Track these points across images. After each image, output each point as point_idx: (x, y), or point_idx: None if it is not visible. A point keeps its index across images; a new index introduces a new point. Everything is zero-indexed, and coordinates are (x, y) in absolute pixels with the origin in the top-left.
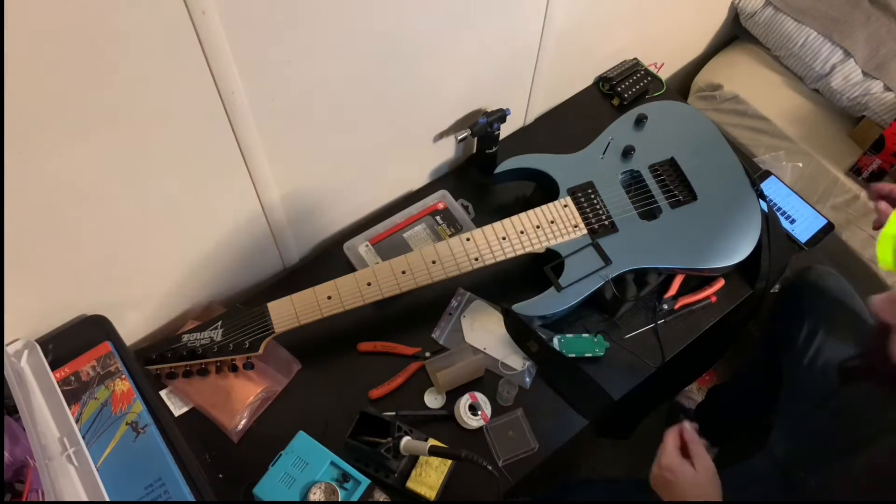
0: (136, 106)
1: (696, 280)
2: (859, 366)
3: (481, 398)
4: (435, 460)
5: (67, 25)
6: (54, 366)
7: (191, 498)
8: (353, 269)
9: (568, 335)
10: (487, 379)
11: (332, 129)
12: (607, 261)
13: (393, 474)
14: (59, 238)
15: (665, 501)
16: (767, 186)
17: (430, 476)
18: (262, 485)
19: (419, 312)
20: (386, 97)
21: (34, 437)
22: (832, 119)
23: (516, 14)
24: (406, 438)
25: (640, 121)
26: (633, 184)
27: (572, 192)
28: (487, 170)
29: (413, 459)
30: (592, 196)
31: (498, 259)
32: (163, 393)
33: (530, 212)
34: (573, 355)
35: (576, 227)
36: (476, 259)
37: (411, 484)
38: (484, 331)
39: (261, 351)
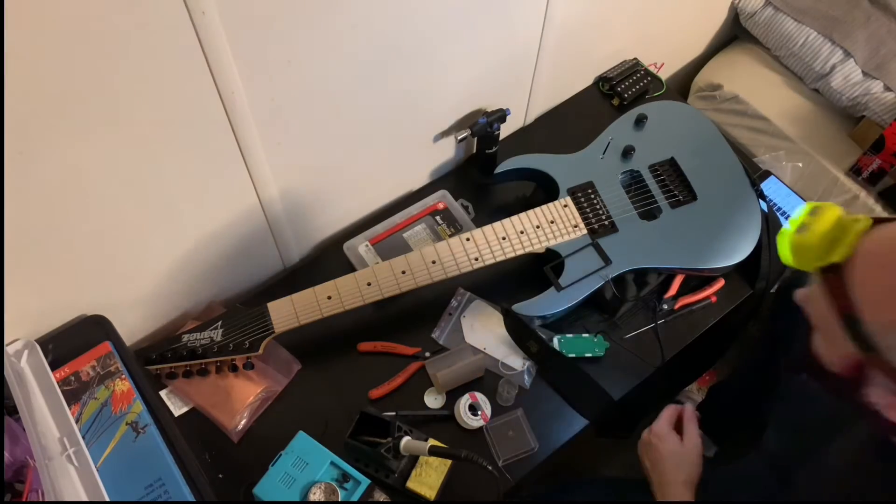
0: (135, 106)
1: (696, 280)
2: (799, 361)
3: (481, 398)
4: (435, 460)
5: (67, 25)
6: (54, 366)
7: (191, 498)
8: (353, 269)
9: (568, 335)
10: (487, 379)
11: (331, 129)
12: (607, 261)
13: (393, 474)
14: (59, 238)
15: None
16: (767, 186)
17: (430, 476)
18: (262, 485)
19: (419, 312)
20: (386, 97)
21: (34, 437)
22: (832, 119)
23: (516, 14)
24: (406, 438)
25: (640, 121)
26: (633, 184)
27: (572, 192)
28: (487, 170)
29: (413, 459)
30: (592, 196)
31: (498, 259)
32: (163, 393)
33: (530, 212)
34: (573, 355)
35: (576, 227)
36: (476, 259)
37: (411, 484)
38: (484, 331)
39: (261, 351)
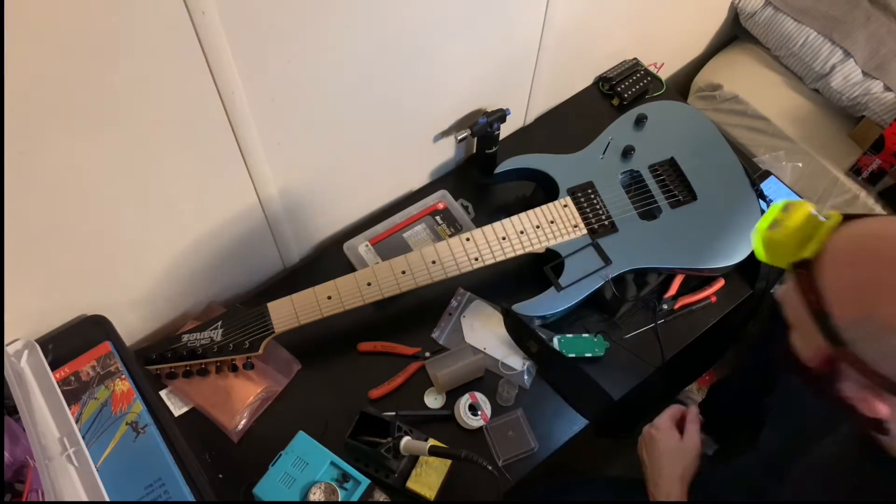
0: (135, 106)
1: (696, 280)
2: (782, 358)
3: (481, 398)
4: (435, 460)
5: (68, 25)
6: (54, 366)
7: (191, 498)
8: (353, 269)
9: (568, 335)
10: (487, 379)
11: (331, 129)
12: (607, 261)
13: (393, 474)
14: (60, 238)
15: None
16: (767, 186)
17: (430, 476)
18: (262, 485)
19: (419, 312)
20: (386, 97)
21: (34, 437)
22: (832, 119)
23: (516, 14)
24: (406, 438)
25: (639, 121)
26: (633, 184)
27: (572, 192)
28: (487, 170)
29: (413, 459)
30: (592, 196)
31: (498, 259)
32: (163, 393)
33: (530, 212)
34: (573, 355)
35: (576, 227)
36: (476, 259)
37: (411, 484)
38: (484, 331)
39: (261, 351)
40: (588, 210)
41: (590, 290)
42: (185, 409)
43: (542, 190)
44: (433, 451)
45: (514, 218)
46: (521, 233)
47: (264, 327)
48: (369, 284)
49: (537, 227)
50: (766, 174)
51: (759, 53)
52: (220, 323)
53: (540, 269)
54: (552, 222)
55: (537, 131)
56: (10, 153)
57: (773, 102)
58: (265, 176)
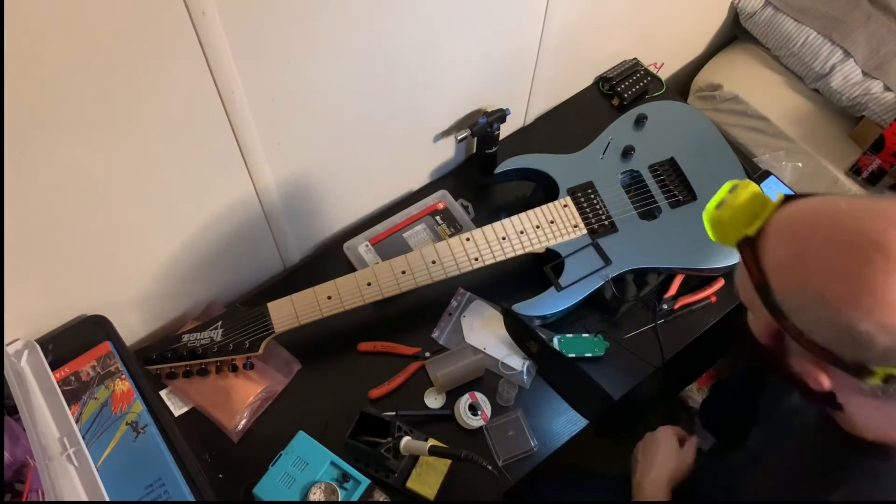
0: (136, 106)
1: (696, 280)
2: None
3: (481, 398)
4: (435, 460)
5: (68, 25)
6: (54, 366)
7: (191, 498)
8: (353, 269)
9: (568, 335)
10: (487, 379)
11: (331, 129)
12: (607, 261)
13: (393, 474)
14: (60, 238)
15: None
16: (767, 186)
17: (429, 476)
18: (262, 485)
19: (419, 312)
20: (386, 97)
21: (34, 437)
22: (832, 119)
23: (516, 14)
24: (406, 438)
25: (639, 121)
26: (633, 184)
27: (572, 192)
28: (487, 170)
29: (413, 459)
30: (592, 196)
31: (498, 259)
32: (163, 393)
33: (530, 212)
34: (573, 355)
35: (576, 227)
36: (476, 259)
37: (411, 484)
38: (484, 331)
39: (261, 351)
40: (588, 210)
41: (590, 290)
42: (185, 409)
43: (542, 190)
44: (433, 451)
45: (514, 218)
46: (521, 233)
47: (264, 327)
48: (369, 284)
49: (537, 227)
50: (766, 174)
51: (759, 53)
52: (220, 323)
53: (540, 269)
54: (552, 222)
55: (537, 131)
56: (11, 153)
57: (773, 102)
58: (265, 176)
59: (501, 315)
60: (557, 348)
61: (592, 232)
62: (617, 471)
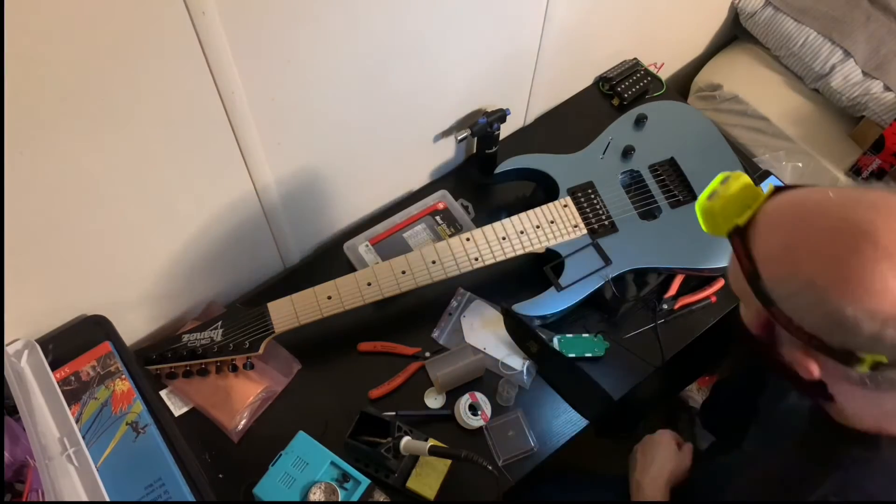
0: (136, 106)
1: (696, 280)
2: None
3: (481, 398)
4: (435, 460)
5: (68, 26)
6: (54, 366)
7: (191, 498)
8: (353, 269)
9: (568, 335)
10: (487, 379)
11: (331, 128)
12: (607, 261)
13: (393, 474)
14: (60, 238)
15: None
16: (767, 186)
17: (429, 476)
18: (262, 485)
19: (419, 312)
20: (386, 97)
21: (34, 437)
22: (832, 119)
23: (516, 14)
24: (406, 438)
25: (640, 121)
26: (633, 184)
27: (572, 192)
28: (487, 170)
29: (413, 459)
30: (592, 196)
31: (498, 259)
32: (163, 393)
33: (530, 212)
34: (573, 355)
35: (576, 227)
36: (476, 259)
37: (411, 484)
38: (484, 331)
39: (261, 351)
40: (588, 210)
41: (590, 290)
42: (185, 409)
43: (542, 190)
44: (433, 451)
45: (514, 218)
46: (521, 233)
47: (264, 327)
48: (369, 284)
49: (537, 227)
50: (766, 174)
51: (759, 53)
52: (220, 323)
53: (540, 269)
54: (552, 222)
55: (537, 131)
56: (11, 153)
57: (773, 102)
58: (265, 176)
59: (501, 315)
60: (557, 348)
61: (592, 232)
62: (617, 471)
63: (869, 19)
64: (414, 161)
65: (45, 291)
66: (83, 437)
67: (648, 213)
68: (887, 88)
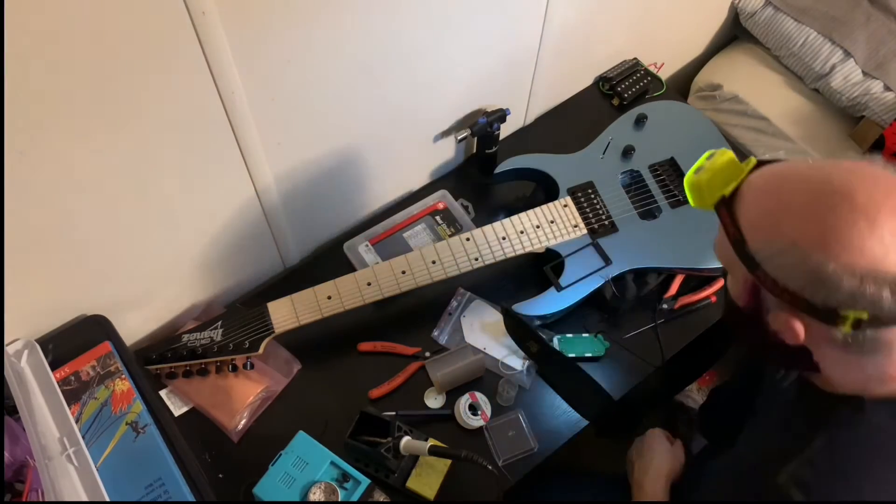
0: (135, 107)
1: (696, 280)
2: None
3: (481, 398)
4: (435, 460)
5: (68, 26)
6: (54, 366)
7: (191, 498)
8: (353, 269)
9: (568, 335)
10: (487, 379)
11: (331, 129)
12: (607, 261)
13: (393, 474)
14: (60, 238)
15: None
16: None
17: (429, 476)
18: (262, 485)
19: (419, 312)
20: (386, 97)
21: (34, 437)
22: (832, 119)
23: (516, 14)
24: (406, 438)
25: (640, 121)
26: (633, 184)
27: (572, 192)
28: (487, 170)
29: (413, 459)
30: (592, 196)
31: (498, 259)
32: (163, 393)
33: (530, 212)
34: (573, 355)
35: (576, 226)
36: (476, 259)
37: (411, 483)
38: (484, 331)
39: (261, 351)
40: (588, 210)
41: (590, 290)
42: (185, 409)
43: (542, 190)
44: (433, 451)
45: (514, 218)
46: (521, 233)
47: (264, 327)
48: (369, 284)
49: (537, 226)
50: None
51: (759, 53)
52: (220, 323)
53: (540, 269)
54: (552, 222)
55: (537, 131)
56: (11, 153)
57: (773, 102)
58: (265, 176)
59: (501, 315)
60: (557, 348)
61: (592, 232)
62: (617, 471)
63: (869, 19)
64: (414, 161)
65: (44, 291)
66: (83, 437)
67: (648, 212)
68: (887, 88)
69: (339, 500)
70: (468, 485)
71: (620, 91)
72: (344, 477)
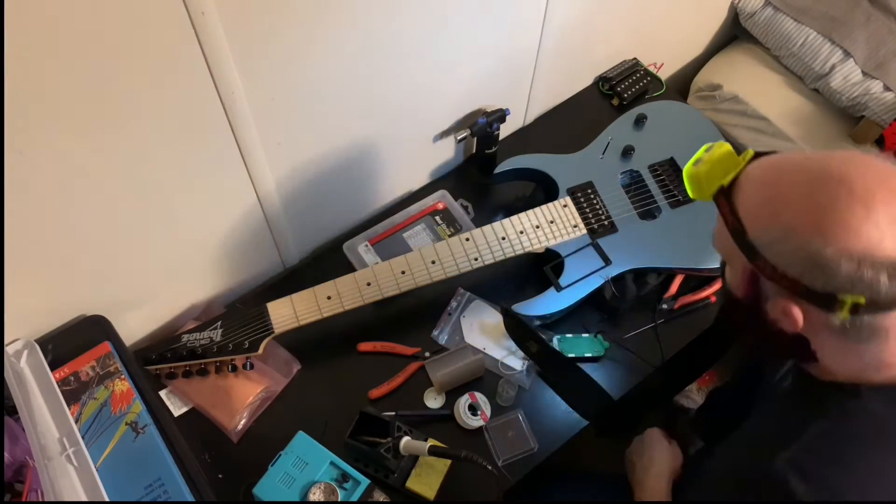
0: (135, 107)
1: (696, 280)
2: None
3: (481, 398)
4: (435, 460)
5: (68, 26)
6: (54, 366)
7: (191, 498)
8: (352, 269)
9: (568, 335)
10: (487, 379)
11: (331, 129)
12: (607, 261)
13: (392, 474)
14: (59, 238)
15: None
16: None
17: (429, 476)
18: (262, 485)
19: (419, 312)
20: (385, 97)
21: (34, 437)
22: (832, 119)
23: (516, 14)
24: (406, 438)
25: (639, 121)
26: (633, 184)
27: (572, 192)
28: (487, 170)
29: (413, 459)
30: (592, 196)
31: (497, 259)
32: (162, 393)
33: (530, 212)
34: (573, 355)
35: (575, 226)
36: (476, 259)
37: (411, 484)
38: (483, 331)
39: (260, 351)
40: (588, 210)
41: (590, 290)
42: (184, 409)
43: (542, 190)
44: (433, 451)
45: (514, 218)
46: (521, 233)
47: (264, 327)
48: (369, 284)
49: (537, 227)
50: None
51: (759, 53)
52: (219, 323)
53: (540, 269)
54: (552, 222)
55: (537, 131)
56: (10, 153)
57: (773, 102)
58: (265, 176)
59: (501, 315)
60: (557, 348)
61: (592, 232)
62: (617, 471)
63: (869, 19)
64: (413, 161)
65: (44, 291)
66: (82, 438)
67: (648, 213)
68: (887, 88)
69: (339, 500)
70: (468, 485)
71: (620, 91)
72: (344, 477)
